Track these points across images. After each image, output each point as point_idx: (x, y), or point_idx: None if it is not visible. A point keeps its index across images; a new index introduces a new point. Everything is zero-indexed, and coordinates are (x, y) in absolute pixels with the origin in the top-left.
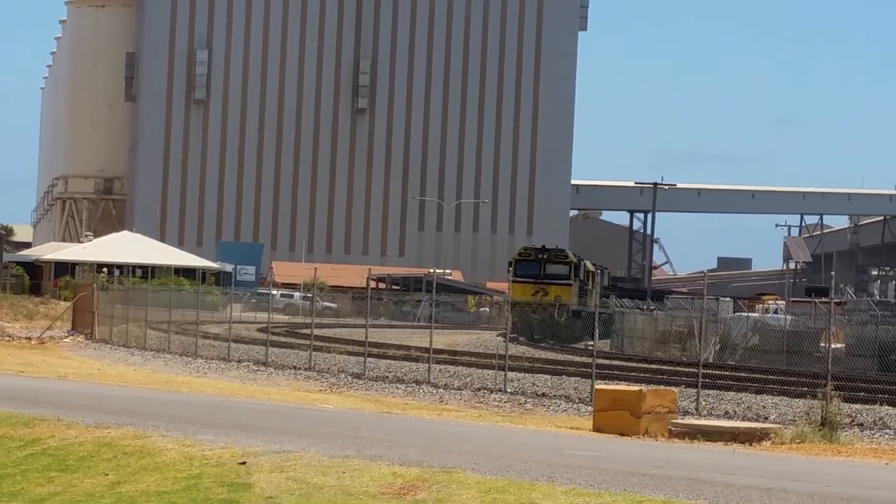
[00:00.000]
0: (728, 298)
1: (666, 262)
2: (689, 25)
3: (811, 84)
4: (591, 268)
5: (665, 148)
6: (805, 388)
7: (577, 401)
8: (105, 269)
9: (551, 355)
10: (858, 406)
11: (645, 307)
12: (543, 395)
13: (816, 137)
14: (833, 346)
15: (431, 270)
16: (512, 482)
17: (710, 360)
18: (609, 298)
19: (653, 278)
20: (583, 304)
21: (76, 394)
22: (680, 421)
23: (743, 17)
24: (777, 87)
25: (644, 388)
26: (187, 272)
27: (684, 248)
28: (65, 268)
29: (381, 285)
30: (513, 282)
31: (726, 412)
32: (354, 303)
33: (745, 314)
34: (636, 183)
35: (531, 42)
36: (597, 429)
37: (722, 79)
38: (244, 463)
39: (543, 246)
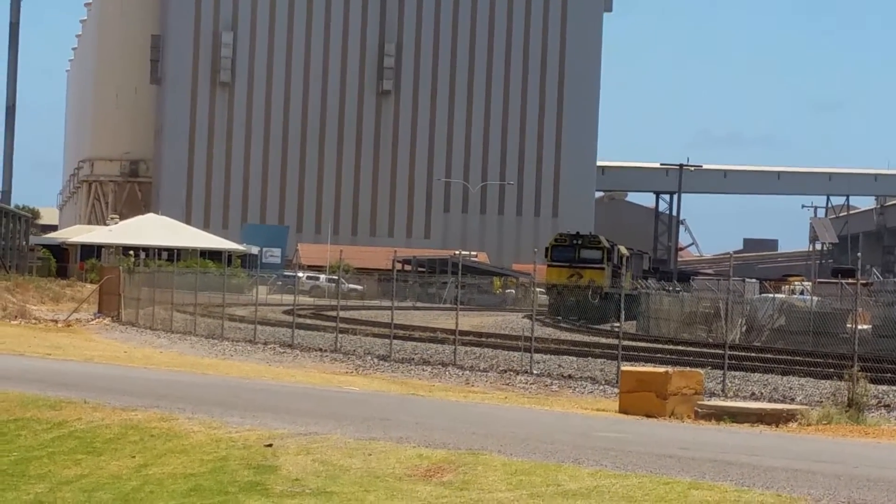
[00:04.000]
0: (754, 280)
1: (692, 244)
2: (705, 9)
3: (846, 68)
4: (625, 252)
5: (703, 130)
6: (831, 370)
7: (603, 382)
8: (131, 252)
9: (577, 337)
10: (885, 387)
11: (671, 288)
12: (569, 376)
13: (845, 119)
14: (859, 327)
15: (457, 252)
16: (538, 464)
17: (736, 342)
18: (648, 281)
19: (679, 259)
20: (616, 287)
21: (103, 376)
22: (706, 402)
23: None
24: (814, 71)
25: (670, 369)
26: (213, 255)
27: (710, 229)
28: (91, 250)
29: (407, 267)
30: (549, 266)
31: (752, 394)
32: (380, 285)
33: (772, 295)
34: (661, 164)
35: (556, 23)
36: (623, 410)
37: (751, 61)
38: (270, 445)
39: (578, 232)
